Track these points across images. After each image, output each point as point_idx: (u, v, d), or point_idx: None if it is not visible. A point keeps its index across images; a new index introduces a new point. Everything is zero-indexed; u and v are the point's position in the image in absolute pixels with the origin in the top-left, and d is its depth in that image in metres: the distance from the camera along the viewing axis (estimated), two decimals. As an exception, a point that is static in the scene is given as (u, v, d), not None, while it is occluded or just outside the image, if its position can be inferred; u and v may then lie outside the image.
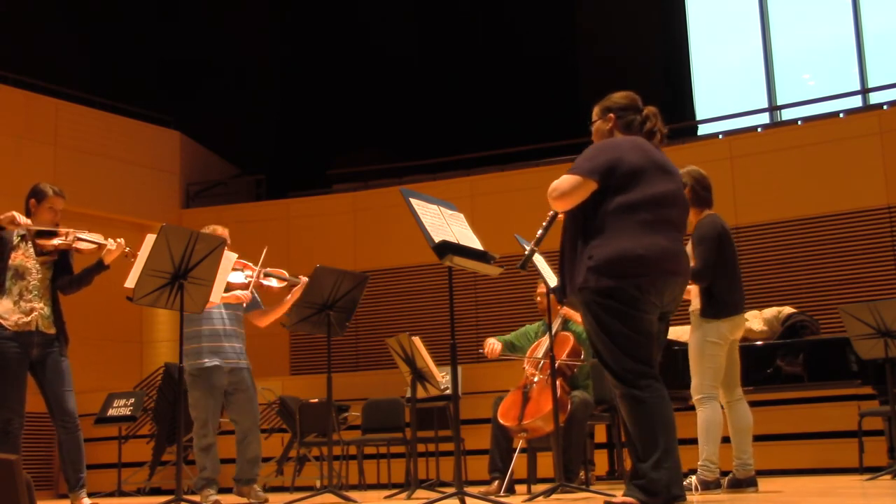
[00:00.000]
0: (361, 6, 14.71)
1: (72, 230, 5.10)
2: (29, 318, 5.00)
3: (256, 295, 5.84)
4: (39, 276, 5.07)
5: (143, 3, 13.63)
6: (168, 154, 12.52)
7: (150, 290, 4.71)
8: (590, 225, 3.50)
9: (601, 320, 3.44)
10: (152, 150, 12.32)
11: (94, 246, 5.09)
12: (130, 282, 4.76)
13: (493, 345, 6.10)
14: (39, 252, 5.09)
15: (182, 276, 4.75)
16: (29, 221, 4.98)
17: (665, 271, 3.46)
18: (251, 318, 5.85)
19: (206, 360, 5.52)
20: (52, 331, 5.08)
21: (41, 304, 5.05)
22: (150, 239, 4.75)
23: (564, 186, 3.51)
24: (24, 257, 5.06)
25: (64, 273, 5.15)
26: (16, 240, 5.09)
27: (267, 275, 5.71)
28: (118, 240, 5.16)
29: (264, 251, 5.69)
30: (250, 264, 5.80)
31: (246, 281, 5.68)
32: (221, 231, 5.72)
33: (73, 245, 5.06)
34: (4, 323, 4.96)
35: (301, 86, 14.54)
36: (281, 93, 14.70)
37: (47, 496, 10.01)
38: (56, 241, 5.05)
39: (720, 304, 4.84)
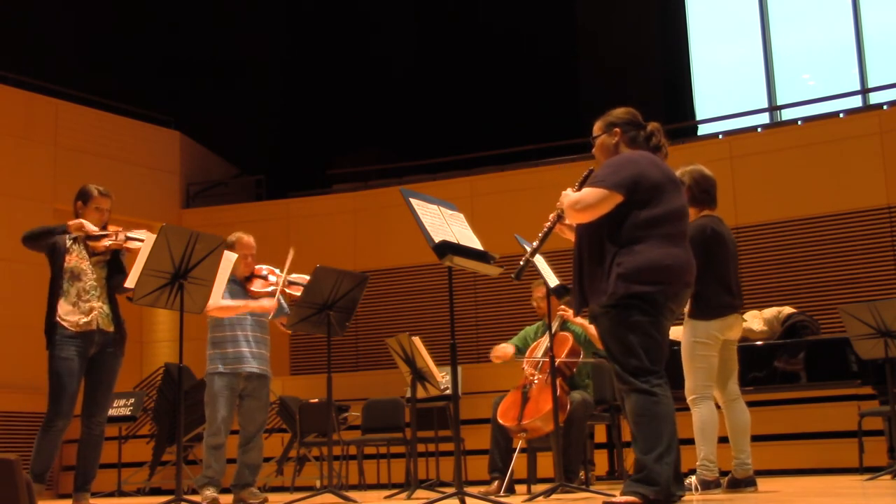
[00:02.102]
0: (361, 6, 14.71)
1: (121, 229, 5.17)
2: (89, 318, 5.07)
3: (283, 300, 5.83)
4: (95, 276, 5.15)
5: (143, 4, 13.63)
6: (168, 154, 12.52)
7: (150, 290, 4.70)
8: (616, 235, 3.62)
9: (626, 320, 3.56)
10: (152, 150, 12.32)
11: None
12: (130, 282, 4.77)
13: (504, 348, 6.10)
14: (92, 253, 5.16)
15: (182, 276, 4.75)
16: (95, 228, 5.06)
17: (684, 282, 3.68)
18: (277, 322, 5.84)
19: (225, 367, 5.54)
20: (112, 329, 5.16)
21: (100, 304, 5.13)
22: (150, 239, 4.75)
23: (590, 199, 3.63)
24: (78, 259, 5.13)
25: (117, 272, 5.21)
26: (69, 243, 5.15)
27: (291, 283, 5.69)
28: None
29: (289, 258, 5.63)
30: (276, 270, 5.80)
31: (271, 290, 5.67)
32: (247, 239, 5.71)
33: (124, 245, 5.12)
34: (67, 325, 5.03)
35: (301, 86, 14.54)
36: (281, 93, 14.70)
37: (47, 496, 10.01)
38: (107, 242, 5.11)
39: (708, 305, 4.83)
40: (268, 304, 5.61)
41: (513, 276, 4.24)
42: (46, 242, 5.12)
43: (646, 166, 3.69)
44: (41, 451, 4.95)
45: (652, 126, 3.89)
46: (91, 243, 5.14)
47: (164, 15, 13.74)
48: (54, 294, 5.09)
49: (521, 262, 4.18)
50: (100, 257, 5.18)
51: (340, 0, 14.76)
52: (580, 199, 3.65)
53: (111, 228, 5.20)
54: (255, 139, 14.14)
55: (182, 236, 4.72)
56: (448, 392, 6.51)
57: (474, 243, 4.32)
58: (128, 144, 12.01)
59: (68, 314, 5.04)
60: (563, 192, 3.79)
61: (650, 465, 3.41)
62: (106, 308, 5.16)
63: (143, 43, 13.35)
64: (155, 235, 4.93)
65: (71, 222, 5.04)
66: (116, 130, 11.97)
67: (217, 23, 13.98)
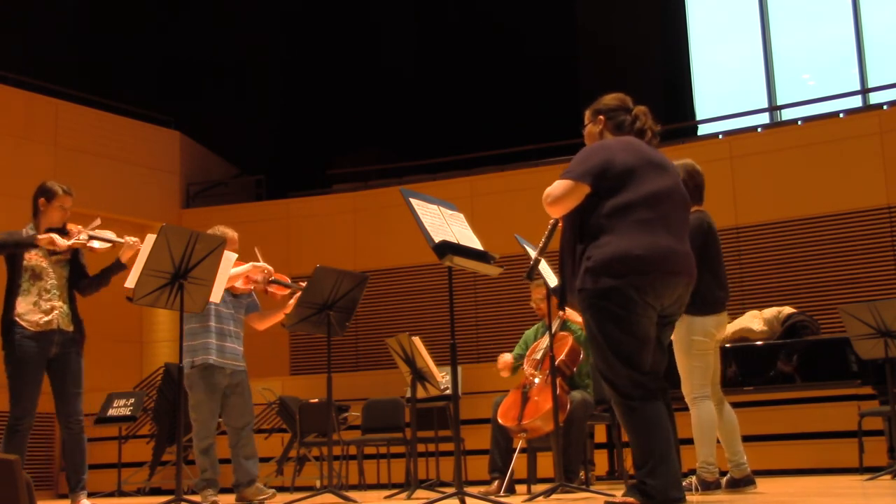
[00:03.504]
0: (361, 6, 14.72)
1: (83, 228, 5.11)
2: (50, 317, 5.04)
3: (255, 298, 5.82)
4: (55, 275, 5.11)
5: (143, 4, 13.64)
6: (168, 154, 12.52)
7: (150, 291, 4.70)
8: (587, 227, 3.49)
9: (597, 324, 3.43)
10: (152, 150, 12.32)
11: (108, 245, 5.09)
12: (130, 282, 4.76)
13: (505, 359, 6.11)
14: (52, 252, 5.10)
15: (182, 276, 4.75)
16: (65, 243, 4.99)
17: (664, 272, 3.43)
18: (250, 321, 5.80)
19: (210, 358, 5.47)
20: (71, 328, 5.12)
21: (60, 303, 5.10)
22: (150, 239, 4.75)
23: (557, 192, 3.52)
24: (38, 258, 5.09)
25: (77, 271, 5.17)
26: None
27: (273, 281, 5.67)
28: (132, 238, 5.16)
29: (257, 255, 5.62)
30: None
31: (253, 287, 5.65)
32: (232, 234, 5.69)
33: (87, 245, 5.08)
34: (25, 324, 5.00)
35: (301, 86, 14.54)
36: (281, 93, 14.71)
37: (47, 496, 10.01)
38: (69, 242, 5.06)
39: (703, 301, 4.77)
40: (251, 270, 5.57)
41: (525, 276, 4.24)
42: (10, 252, 5.05)
43: (617, 151, 3.52)
44: (7, 453, 4.90)
45: (637, 110, 3.75)
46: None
47: (164, 15, 13.75)
48: (12, 292, 5.03)
49: (531, 262, 4.18)
50: (60, 256, 5.12)
51: (341, 0, 14.76)
52: (549, 193, 3.54)
53: (72, 227, 5.13)
54: (255, 139, 14.14)
55: (182, 236, 4.72)
56: (448, 392, 6.51)
57: (474, 243, 4.32)
58: (128, 144, 12.00)
59: (28, 313, 5.00)
60: None
61: (644, 479, 3.34)
62: (66, 308, 5.12)
63: (143, 43, 13.35)
64: (126, 238, 4.94)
65: (41, 237, 4.96)
66: (116, 130, 11.97)
67: (217, 23, 13.98)
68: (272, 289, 5.66)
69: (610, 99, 3.80)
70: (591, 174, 3.47)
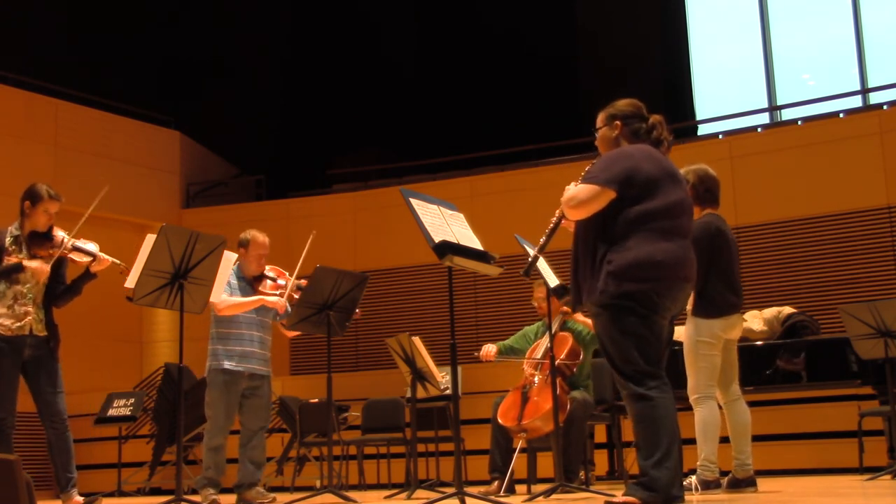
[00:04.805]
0: (361, 6, 14.71)
1: (69, 237, 5.06)
2: (22, 323, 4.99)
3: (288, 305, 5.80)
4: (34, 279, 5.03)
5: (143, 4, 13.63)
6: (168, 154, 12.52)
7: (150, 290, 4.70)
8: (608, 232, 3.57)
9: (619, 322, 3.52)
10: (152, 150, 12.32)
11: (89, 258, 5.06)
12: (130, 282, 4.76)
13: (487, 348, 6.12)
14: (33, 256, 5.06)
15: (182, 276, 4.74)
16: (47, 269, 4.96)
17: (679, 277, 3.60)
18: (278, 324, 5.80)
19: (230, 363, 5.48)
20: (44, 333, 5.07)
21: (34, 309, 5.04)
22: (150, 239, 4.74)
23: (582, 195, 3.58)
24: (17, 261, 5.02)
25: (57, 280, 5.11)
26: (8, 239, 5.06)
27: (300, 288, 5.66)
28: (112, 259, 5.11)
29: (299, 262, 5.61)
30: (285, 272, 5.78)
31: (279, 292, 5.63)
32: (262, 239, 5.67)
33: (69, 256, 5.04)
34: None
35: (301, 86, 14.54)
36: (281, 93, 14.71)
37: (47, 496, 9.99)
38: (51, 250, 5.03)
39: (712, 304, 4.84)
40: (280, 302, 5.57)
41: (522, 272, 4.25)
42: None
43: (640, 160, 3.61)
44: None
45: (654, 119, 3.81)
46: (34, 248, 5.04)
47: (164, 15, 13.74)
48: None
49: (530, 259, 4.20)
50: (41, 261, 5.05)
51: (341, 0, 14.76)
52: (574, 196, 3.61)
53: (57, 233, 5.10)
54: (255, 139, 14.14)
55: (182, 236, 4.72)
56: (448, 392, 6.51)
57: (474, 243, 4.32)
58: (128, 144, 12.01)
59: (2, 317, 4.95)
60: (566, 188, 3.73)
61: (649, 470, 3.42)
62: (41, 313, 5.06)
63: (143, 43, 13.35)
64: (110, 257, 4.90)
65: (31, 265, 4.93)
66: (116, 130, 11.97)
67: (217, 23, 13.98)
68: (298, 294, 5.64)
69: (625, 105, 3.84)
70: (616, 181, 3.56)
